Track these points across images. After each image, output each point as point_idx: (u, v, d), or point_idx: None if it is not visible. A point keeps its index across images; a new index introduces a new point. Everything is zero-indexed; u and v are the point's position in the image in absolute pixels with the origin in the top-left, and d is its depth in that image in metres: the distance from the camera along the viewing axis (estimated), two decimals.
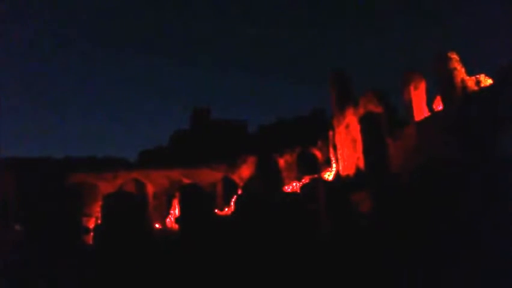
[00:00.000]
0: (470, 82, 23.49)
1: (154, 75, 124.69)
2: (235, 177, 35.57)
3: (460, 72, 23.68)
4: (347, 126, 30.73)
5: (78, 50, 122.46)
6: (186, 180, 33.54)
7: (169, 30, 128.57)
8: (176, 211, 30.23)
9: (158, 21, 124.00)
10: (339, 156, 31.89)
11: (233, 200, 29.77)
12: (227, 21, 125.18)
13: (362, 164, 29.00)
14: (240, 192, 31.92)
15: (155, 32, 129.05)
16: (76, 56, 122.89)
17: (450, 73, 23.61)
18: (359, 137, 29.50)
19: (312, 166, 35.24)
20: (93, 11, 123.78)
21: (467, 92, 23.23)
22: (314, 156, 36.02)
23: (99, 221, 28.59)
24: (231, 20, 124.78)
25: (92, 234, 27.53)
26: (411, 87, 26.69)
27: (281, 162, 35.71)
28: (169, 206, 32.19)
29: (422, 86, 26.91)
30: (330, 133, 33.36)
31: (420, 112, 26.33)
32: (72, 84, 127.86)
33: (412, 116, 26.24)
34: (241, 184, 34.59)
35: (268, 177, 33.01)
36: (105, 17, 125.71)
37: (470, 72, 23.97)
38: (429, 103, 27.03)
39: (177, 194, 29.96)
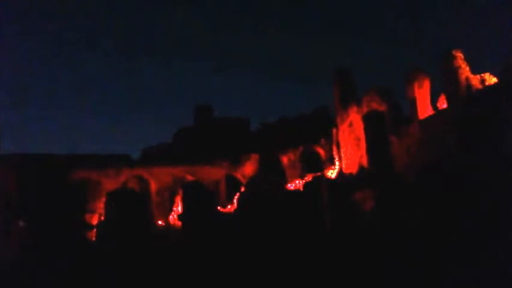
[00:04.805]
0: (475, 80, 23.39)
1: (156, 73, 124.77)
2: (238, 175, 35.56)
3: (465, 70, 23.59)
4: (351, 125, 30.66)
5: (80, 49, 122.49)
6: (189, 178, 33.55)
7: (171, 29, 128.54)
8: (179, 208, 30.25)
9: (160, 20, 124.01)
10: (342, 155, 31.82)
11: (236, 197, 29.76)
12: (230, 19, 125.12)
13: (365, 163, 28.93)
14: (242, 189, 31.91)
15: (157, 31, 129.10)
16: (78, 55, 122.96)
17: (455, 71, 23.52)
18: (362, 135, 29.41)
19: (315, 164, 35.18)
20: (94, 11, 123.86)
21: (471, 90, 23.14)
22: (317, 154, 35.96)
23: (102, 218, 28.64)
24: (233, 18, 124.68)
25: (95, 230, 27.59)
26: (416, 86, 26.59)
27: (284, 160, 35.68)
28: (172, 203, 32.22)
29: (426, 84, 26.81)
30: (334, 131, 33.29)
31: (425, 110, 26.23)
32: (75, 83, 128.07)
33: (416, 115, 26.14)
34: (244, 182, 34.57)
35: (271, 175, 32.95)
36: (107, 17, 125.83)
37: (474, 71, 23.89)
38: (434, 101, 26.94)
39: (180, 191, 29.99)
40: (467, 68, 23.72)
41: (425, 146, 24.62)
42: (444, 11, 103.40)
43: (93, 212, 30.86)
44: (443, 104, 25.98)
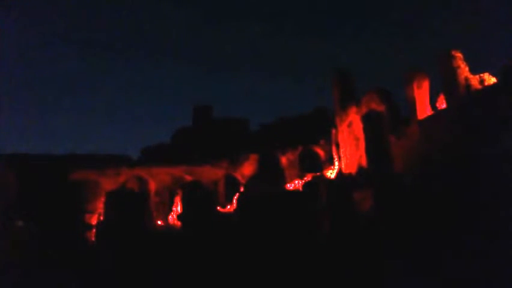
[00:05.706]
0: (474, 81, 23.44)
1: (156, 73, 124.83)
2: (237, 175, 35.56)
3: (464, 70, 23.63)
4: (350, 125, 30.69)
5: (80, 49, 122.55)
6: (188, 178, 33.54)
7: (171, 29, 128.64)
8: (178, 208, 30.25)
9: (160, 20, 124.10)
10: (341, 155, 31.85)
11: (235, 197, 29.77)
12: (229, 19, 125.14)
13: (364, 163, 28.93)
14: (241, 189, 31.91)
15: (157, 31, 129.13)
16: (78, 55, 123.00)
17: (454, 71, 23.57)
18: (361, 135, 29.39)
19: (315, 164, 35.21)
20: (95, 11, 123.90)
21: (470, 90, 23.18)
22: (317, 154, 35.98)
23: (101, 218, 28.64)
24: (233, 18, 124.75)
25: (94, 230, 27.59)
26: (415, 86, 26.63)
27: (283, 160, 35.69)
28: (171, 203, 32.22)
29: (426, 84, 26.85)
30: (333, 131, 33.31)
31: (424, 111, 26.27)
32: (75, 82, 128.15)
33: (415, 115, 26.18)
34: (243, 182, 34.59)
35: (271, 175, 32.95)
36: (108, 17, 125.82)
37: (474, 71, 23.93)
38: (433, 102, 26.98)
39: (179, 191, 29.99)
40: (466, 68, 23.76)
41: (424, 146, 24.65)
42: (444, 10, 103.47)
43: (92, 212, 30.86)
44: (442, 104, 26.01)
